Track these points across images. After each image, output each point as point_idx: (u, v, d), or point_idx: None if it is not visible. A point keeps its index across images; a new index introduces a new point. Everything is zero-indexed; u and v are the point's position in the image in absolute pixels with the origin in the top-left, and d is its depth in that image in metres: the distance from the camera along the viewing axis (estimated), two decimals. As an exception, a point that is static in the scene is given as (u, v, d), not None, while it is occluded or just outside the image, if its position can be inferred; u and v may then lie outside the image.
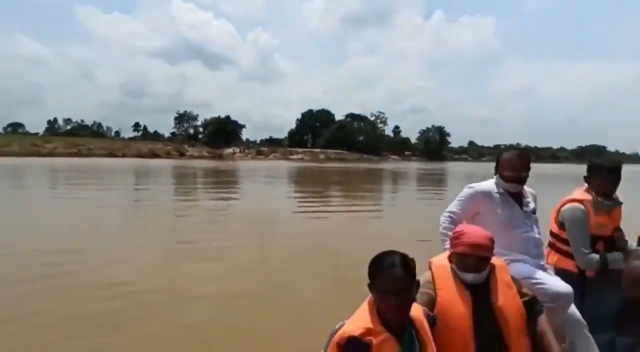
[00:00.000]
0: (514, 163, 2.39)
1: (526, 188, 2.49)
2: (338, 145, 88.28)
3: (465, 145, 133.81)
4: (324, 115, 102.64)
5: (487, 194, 2.42)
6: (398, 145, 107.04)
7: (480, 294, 1.70)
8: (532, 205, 2.46)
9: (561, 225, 2.55)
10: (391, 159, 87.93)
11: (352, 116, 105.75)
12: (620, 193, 2.59)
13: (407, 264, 1.38)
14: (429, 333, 1.47)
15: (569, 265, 2.51)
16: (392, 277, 1.35)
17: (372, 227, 9.38)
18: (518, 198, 2.43)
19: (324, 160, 67.55)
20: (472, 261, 1.70)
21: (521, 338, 1.66)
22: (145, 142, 77.70)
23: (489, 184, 2.47)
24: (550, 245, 2.64)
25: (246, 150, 72.50)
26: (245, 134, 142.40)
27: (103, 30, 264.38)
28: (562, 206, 2.56)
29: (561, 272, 2.47)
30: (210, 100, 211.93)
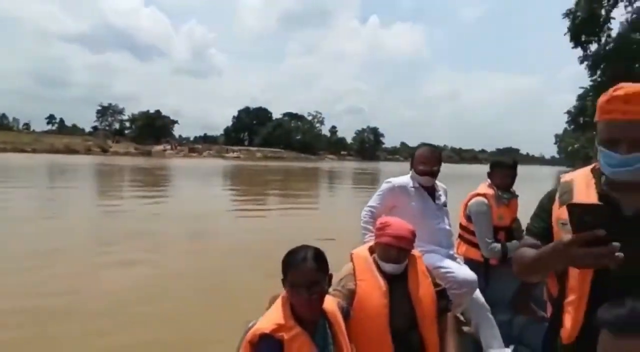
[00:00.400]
0: (427, 158, 2.52)
1: (438, 183, 2.66)
2: (275, 144, 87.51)
3: (398, 146, 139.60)
4: (262, 114, 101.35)
5: (403, 188, 2.55)
6: (334, 145, 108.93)
7: (399, 283, 1.78)
8: (443, 198, 2.63)
9: (468, 218, 2.78)
10: (328, 158, 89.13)
11: (289, 115, 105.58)
12: (520, 188, 2.86)
13: (319, 258, 1.40)
14: (343, 326, 1.50)
15: (475, 254, 2.73)
16: (304, 271, 1.35)
17: (304, 225, 9.39)
18: (431, 192, 2.59)
19: (261, 158, 66.69)
20: (394, 252, 1.77)
21: (433, 325, 1.77)
22: (61, 136, 69.95)
23: (405, 179, 2.60)
24: (460, 236, 2.86)
25: (178, 147, 68.90)
26: (178, 131, 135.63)
27: (8, 8, 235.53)
28: (469, 200, 2.78)
29: (469, 261, 2.68)
30: (140, 93, 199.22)
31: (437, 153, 2.59)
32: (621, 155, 1.07)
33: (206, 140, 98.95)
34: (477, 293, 2.39)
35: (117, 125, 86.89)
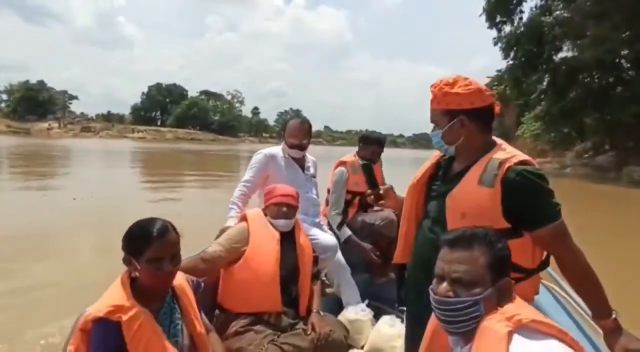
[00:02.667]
0: (297, 131, 2.66)
1: (308, 155, 2.82)
2: (191, 124, 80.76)
3: (322, 129, 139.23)
4: (176, 91, 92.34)
5: (274, 158, 2.67)
6: (256, 127, 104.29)
7: (287, 240, 2.00)
8: (312, 170, 2.81)
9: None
10: (248, 141, 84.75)
11: (207, 94, 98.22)
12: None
13: (175, 229, 1.35)
14: (193, 300, 1.44)
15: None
16: (168, 243, 1.29)
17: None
18: (301, 163, 2.74)
19: (172, 140, 60.33)
20: (284, 209, 2.00)
21: (308, 283, 2.03)
22: None
23: (276, 149, 2.73)
24: (327, 200, 3.02)
25: (68, 126, 59.16)
26: (79, 107, 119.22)
27: None
28: (335, 168, 3.01)
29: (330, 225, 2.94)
30: (30, 62, 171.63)
31: (306, 127, 2.70)
32: (431, 134, 1.40)
33: (110, 118, 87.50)
34: (339, 256, 2.62)
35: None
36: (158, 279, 1.28)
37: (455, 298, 0.99)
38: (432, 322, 1.16)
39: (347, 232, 2.84)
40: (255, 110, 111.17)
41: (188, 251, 1.64)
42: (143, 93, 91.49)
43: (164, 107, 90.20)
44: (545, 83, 23.95)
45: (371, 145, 3.01)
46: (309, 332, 1.81)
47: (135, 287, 1.27)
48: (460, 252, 1.02)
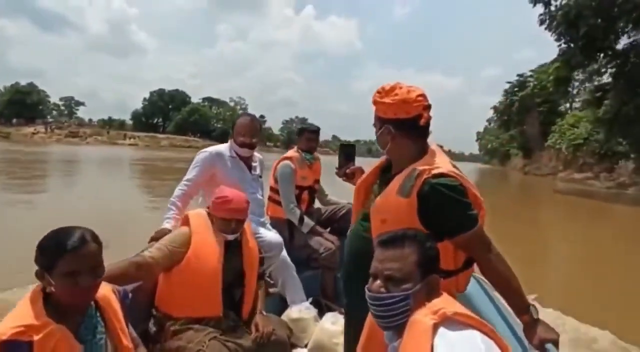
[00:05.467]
0: (247, 129, 2.55)
1: (255, 154, 2.71)
2: (191, 131, 77.53)
3: (329, 139, 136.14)
4: (179, 97, 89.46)
5: (220, 156, 2.55)
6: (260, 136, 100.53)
7: (233, 243, 1.89)
8: (259, 170, 2.72)
9: (276, 180, 2.89)
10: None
11: (209, 100, 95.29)
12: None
13: (97, 238, 1.21)
14: (119, 311, 1.31)
15: (281, 213, 2.85)
16: (87, 254, 1.15)
17: None
18: (247, 162, 2.63)
19: (166, 147, 56.69)
20: (233, 224, 1.86)
21: (254, 285, 1.95)
22: None
23: (222, 147, 2.62)
24: (269, 197, 2.91)
25: (55, 131, 55.60)
26: (87, 114, 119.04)
27: None
28: (278, 163, 2.90)
29: (275, 220, 2.86)
30: (46, 70, 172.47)
31: (256, 125, 2.62)
32: None
33: (110, 124, 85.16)
34: (284, 254, 2.56)
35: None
36: (75, 295, 1.15)
37: (386, 294, 1.06)
38: (370, 319, 1.21)
39: (310, 222, 2.81)
40: (261, 119, 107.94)
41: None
42: (145, 99, 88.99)
43: (165, 113, 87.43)
44: (607, 73, 18.02)
45: (301, 135, 2.99)
46: (251, 333, 1.80)
47: (50, 304, 1.14)
48: (392, 251, 1.09)
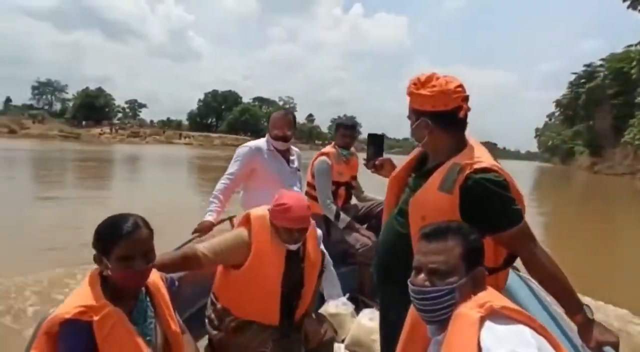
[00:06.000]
0: (280, 122, 2.59)
1: (293, 148, 2.76)
2: (242, 130, 79.96)
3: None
4: (231, 97, 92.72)
5: (259, 150, 2.60)
6: (308, 134, 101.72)
7: (295, 251, 1.79)
8: (296, 163, 2.74)
9: (313, 175, 2.90)
10: (299, 147, 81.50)
11: (259, 100, 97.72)
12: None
13: (148, 224, 1.26)
14: (167, 297, 1.36)
15: (318, 209, 2.77)
16: (140, 240, 1.20)
17: None
18: (285, 156, 2.67)
19: (218, 146, 58.88)
20: (296, 234, 1.74)
21: (312, 290, 1.89)
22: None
23: (261, 142, 2.66)
24: (306, 192, 2.85)
25: (119, 131, 59.76)
26: (149, 115, 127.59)
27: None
28: (316, 159, 2.90)
29: (312, 215, 2.39)
30: (113, 76, 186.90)
31: (289, 118, 2.64)
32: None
33: (169, 124, 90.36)
34: (322, 248, 2.31)
35: (59, 105, 76.34)
36: (129, 278, 1.20)
37: (431, 288, 1.03)
38: (412, 313, 1.19)
39: (346, 218, 2.77)
40: (310, 117, 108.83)
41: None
42: (199, 100, 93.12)
43: (219, 113, 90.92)
44: None
45: (337, 130, 2.95)
46: (302, 338, 1.81)
47: (107, 286, 1.19)
48: (436, 244, 1.05)
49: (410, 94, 1.33)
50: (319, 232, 2.41)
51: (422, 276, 1.05)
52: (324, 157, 2.84)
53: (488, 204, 1.21)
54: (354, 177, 3.03)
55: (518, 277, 1.77)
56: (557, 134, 61.99)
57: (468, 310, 0.96)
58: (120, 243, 1.16)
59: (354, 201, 3.11)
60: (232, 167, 2.57)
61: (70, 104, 73.80)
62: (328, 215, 2.78)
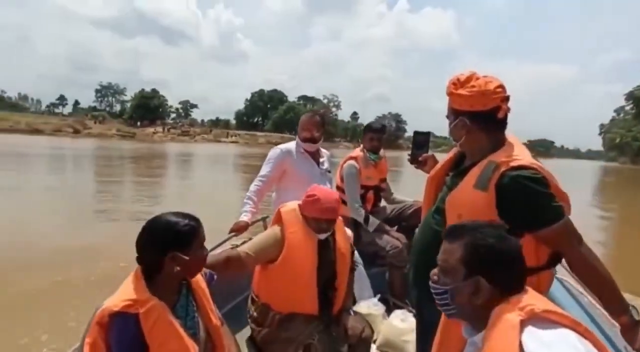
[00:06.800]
0: (308, 124, 2.67)
1: (322, 150, 2.86)
2: (287, 128, 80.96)
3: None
4: (277, 96, 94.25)
5: (289, 153, 2.69)
6: (352, 132, 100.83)
7: (326, 241, 1.87)
8: (326, 164, 2.82)
9: (342, 179, 2.89)
10: (343, 145, 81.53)
11: (304, 98, 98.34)
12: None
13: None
14: (207, 291, 1.44)
15: (346, 212, 2.78)
16: (203, 236, 1.34)
17: None
18: (315, 157, 2.76)
19: (263, 144, 59.76)
20: (324, 224, 1.83)
21: (346, 279, 1.95)
22: (46, 117, 64.57)
23: (291, 145, 2.74)
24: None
25: (171, 130, 62.56)
26: (201, 115, 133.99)
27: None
28: (344, 163, 2.90)
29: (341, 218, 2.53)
30: (169, 79, 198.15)
31: (317, 119, 2.70)
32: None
33: (218, 124, 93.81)
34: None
35: (118, 106, 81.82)
36: (201, 266, 1.35)
37: (435, 283, 1.06)
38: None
39: (375, 221, 2.77)
40: (355, 115, 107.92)
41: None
42: (246, 99, 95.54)
43: (265, 112, 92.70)
44: None
45: (365, 134, 2.92)
46: (343, 332, 1.85)
47: (151, 282, 1.26)
48: (446, 243, 1.07)
49: (449, 94, 1.34)
50: (349, 232, 2.42)
51: (435, 269, 1.07)
52: (352, 162, 2.83)
53: (525, 201, 1.20)
54: (383, 180, 3.03)
55: (555, 279, 1.74)
56: (627, 130, 56.52)
57: (507, 313, 0.92)
58: (199, 236, 1.31)
59: (383, 203, 3.11)
60: (264, 170, 2.65)
61: (128, 105, 78.81)
62: (357, 219, 2.78)
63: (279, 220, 1.89)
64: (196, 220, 1.32)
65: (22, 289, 4.24)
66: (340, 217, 1.97)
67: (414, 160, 1.80)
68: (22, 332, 3.40)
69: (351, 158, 2.86)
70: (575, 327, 0.91)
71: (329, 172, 2.80)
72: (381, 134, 2.90)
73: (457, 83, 1.31)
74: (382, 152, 2.95)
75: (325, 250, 1.85)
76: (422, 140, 1.82)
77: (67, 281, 4.53)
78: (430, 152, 1.81)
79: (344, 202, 2.81)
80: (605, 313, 1.38)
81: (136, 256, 1.28)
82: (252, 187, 2.59)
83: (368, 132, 2.89)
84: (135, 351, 1.17)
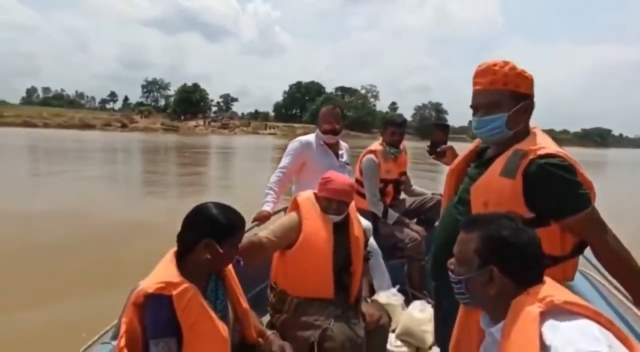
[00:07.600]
0: (328, 116, 2.69)
1: (342, 142, 2.84)
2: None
3: (466, 124, 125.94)
4: (314, 88, 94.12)
5: (309, 145, 2.72)
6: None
7: (340, 228, 1.92)
8: (345, 157, 2.82)
9: (361, 172, 2.93)
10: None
11: (342, 89, 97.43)
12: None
13: None
14: (235, 277, 1.50)
15: (364, 205, 2.84)
16: (242, 235, 1.40)
17: None
18: (334, 150, 2.77)
19: (301, 136, 59.96)
20: (334, 205, 1.89)
21: (360, 265, 1.96)
22: (100, 112, 68.51)
23: (311, 137, 2.78)
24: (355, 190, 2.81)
25: (211, 123, 64.31)
26: (241, 108, 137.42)
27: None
28: (364, 156, 2.92)
29: (359, 211, 2.55)
30: (211, 73, 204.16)
31: (337, 111, 2.74)
32: (474, 119, 1.34)
33: (257, 116, 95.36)
34: (372, 240, 2.52)
35: (163, 101, 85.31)
36: (231, 262, 1.40)
37: (451, 273, 1.07)
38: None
39: (394, 214, 2.80)
40: (393, 105, 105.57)
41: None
42: (284, 92, 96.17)
43: (302, 104, 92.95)
44: None
45: (386, 128, 2.93)
46: (360, 319, 1.87)
47: (184, 266, 1.29)
48: (462, 234, 1.08)
49: (516, 75, 1.30)
50: (367, 223, 2.43)
51: (452, 259, 1.08)
52: (371, 155, 2.85)
53: (553, 188, 1.19)
54: (403, 173, 3.04)
55: (578, 272, 1.72)
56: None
57: (527, 304, 0.92)
58: (237, 235, 1.36)
59: (403, 195, 3.12)
60: (284, 161, 2.70)
61: (172, 99, 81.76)
62: (376, 212, 2.81)
63: (295, 207, 1.95)
64: (241, 220, 1.37)
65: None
66: (353, 205, 2.01)
67: (432, 151, 1.84)
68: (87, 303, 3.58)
69: (370, 152, 2.87)
70: (596, 317, 0.90)
71: (348, 164, 2.82)
72: (402, 129, 2.90)
73: (513, 66, 1.28)
74: (402, 145, 2.96)
75: (341, 236, 1.90)
76: (441, 131, 1.86)
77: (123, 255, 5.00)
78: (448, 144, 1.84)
79: (362, 196, 2.86)
80: (629, 304, 1.39)
81: (179, 231, 1.33)
82: (273, 178, 2.67)
83: (389, 126, 2.90)
84: (169, 331, 1.21)
